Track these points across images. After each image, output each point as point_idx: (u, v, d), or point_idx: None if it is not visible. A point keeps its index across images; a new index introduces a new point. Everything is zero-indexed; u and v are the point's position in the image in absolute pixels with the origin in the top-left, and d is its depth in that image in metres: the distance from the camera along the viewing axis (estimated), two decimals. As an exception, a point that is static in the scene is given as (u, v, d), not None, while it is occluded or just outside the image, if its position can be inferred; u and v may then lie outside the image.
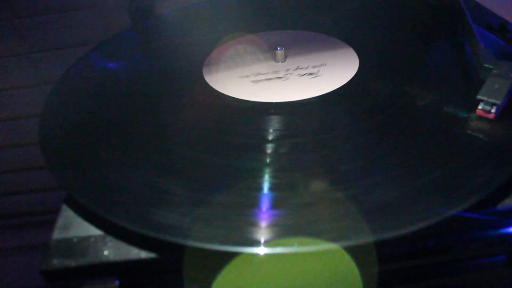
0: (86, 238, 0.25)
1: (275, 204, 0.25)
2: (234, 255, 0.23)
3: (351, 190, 0.25)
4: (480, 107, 0.29)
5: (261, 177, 0.27)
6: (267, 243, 0.22)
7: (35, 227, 0.80)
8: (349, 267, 0.25)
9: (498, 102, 0.29)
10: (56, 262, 0.24)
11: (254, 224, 0.24)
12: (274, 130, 0.31)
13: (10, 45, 0.65)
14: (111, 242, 0.25)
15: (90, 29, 0.62)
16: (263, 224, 0.24)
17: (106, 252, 0.24)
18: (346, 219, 0.24)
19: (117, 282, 0.25)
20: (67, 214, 0.27)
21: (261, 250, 0.22)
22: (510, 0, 0.54)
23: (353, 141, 0.29)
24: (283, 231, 0.23)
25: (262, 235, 0.23)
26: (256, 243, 0.22)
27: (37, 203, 0.79)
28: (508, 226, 0.26)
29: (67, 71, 0.41)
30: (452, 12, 0.42)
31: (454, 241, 0.26)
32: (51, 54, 0.66)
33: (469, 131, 0.29)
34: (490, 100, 0.29)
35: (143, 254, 0.24)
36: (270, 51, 0.40)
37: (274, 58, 0.39)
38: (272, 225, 0.23)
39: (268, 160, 0.28)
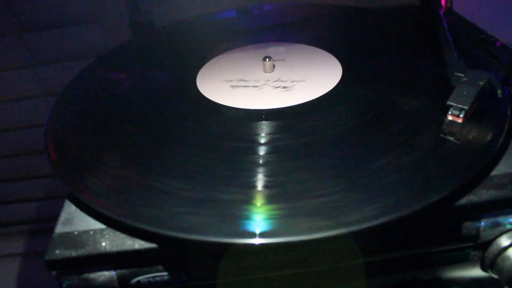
0: (86, 231, 0.28)
1: (265, 201, 0.27)
2: (229, 246, 0.25)
3: (331, 186, 0.28)
4: (450, 112, 0.32)
5: (253, 176, 0.29)
6: (259, 235, 0.25)
7: (39, 234, 0.82)
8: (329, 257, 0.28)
9: (466, 107, 0.31)
10: (58, 252, 0.27)
11: (247, 218, 0.26)
12: (266, 134, 0.33)
13: (17, 58, 0.68)
14: (109, 234, 0.27)
15: (93, 42, 0.65)
16: (256, 217, 0.26)
17: (103, 244, 0.27)
18: (325, 213, 0.26)
19: (114, 272, 0.27)
20: (69, 209, 0.30)
21: (255, 241, 0.24)
22: (490, 13, 0.57)
23: (334, 143, 0.32)
24: (271, 225, 0.25)
25: (256, 227, 0.25)
26: (250, 234, 0.25)
27: (41, 211, 0.82)
28: (472, 221, 0.28)
29: (71, 82, 0.44)
30: (431, 23, 0.45)
31: (420, 236, 0.28)
32: (56, 67, 0.68)
33: (441, 134, 0.31)
34: (458, 105, 0.31)
35: (137, 245, 0.26)
36: (259, 62, 0.42)
37: (263, 68, 0.41)
38: (262, 219, 0.26)
39: (260, 161, 0.31)
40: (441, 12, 0.47)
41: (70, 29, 0.65)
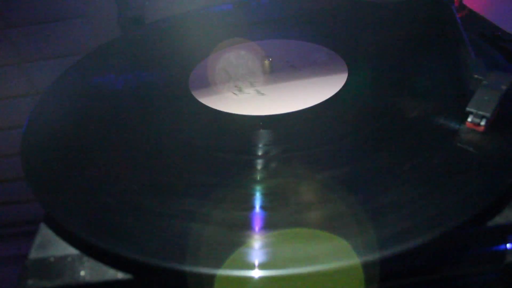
0: (63, 258, 0.25)
1: (267, 223, 0.24)
2: (225, 278, 0.22)
3: (340, 204, 0.25)
4: (469, 119, 0.29)
5: (252, 194, 0.26)
6: (260, 266, 0.22)
7: (27, 237, 0.79)
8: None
9: (487, 114, 0.28)
10: (31, 283, 0.24)
11: (244, 246, 0.23)
12: (264, 144, 0.30)
13: (2, 55, 0.64)
14: (88, 262, 0.24)
15: (81, 38, 0.62)
16: (253, 245, 0.23)
17: (82, 273, 0.24)
18: (332, 240, 0.23)
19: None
20: (45, 232, 0.26)
21: (250, 273, 0.21)
22: (504, 8, 0.53)
23: (342, 152, 0.29)
24: (273, 252, 0.22)
25: (251, 257, 0.22)
26: (248, 266, 0.22)
27: (35, 212, 0.79)
28: (499, 243, 0.25)
29: (55, 82, 0.41)
30: (444, 21, 0.42)
31: (443, 260, 0.25)
32: (43, 64, 0.65)
33: (459, 144, 0.28)
34: (479, 112, 0.28)
35: (120, 275, 0.23)
36: (258, 61, 0.39)
37: (263, 68, 0.38)
38: (264, 246, 0.23)
39: (258, 176, 0.27)
40: (453, 6, 0.43)
41: (57, 24, 0.62)
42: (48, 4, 0.60)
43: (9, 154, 0.73)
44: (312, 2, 0.52)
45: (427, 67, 0.37)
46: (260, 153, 0.29)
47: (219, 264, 0.22)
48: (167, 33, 0.49)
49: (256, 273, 0.21)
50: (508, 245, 0.25)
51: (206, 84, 0.37)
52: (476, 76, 0.31)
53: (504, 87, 0.29)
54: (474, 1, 0.50)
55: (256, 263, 0.22)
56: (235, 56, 0.41)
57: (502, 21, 0.43)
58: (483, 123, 0.28)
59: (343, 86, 0.35)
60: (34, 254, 0.25)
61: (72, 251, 0.25)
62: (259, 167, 0.28)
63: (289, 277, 0.21)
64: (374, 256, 0.21)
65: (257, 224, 0.24)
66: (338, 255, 0.22)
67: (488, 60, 0.34)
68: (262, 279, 0.21)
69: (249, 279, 0.22)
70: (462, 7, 0.49)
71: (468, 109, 0.29)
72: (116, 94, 0.38)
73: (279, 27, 0.47)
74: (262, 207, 0.25)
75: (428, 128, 0.30)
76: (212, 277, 0.22)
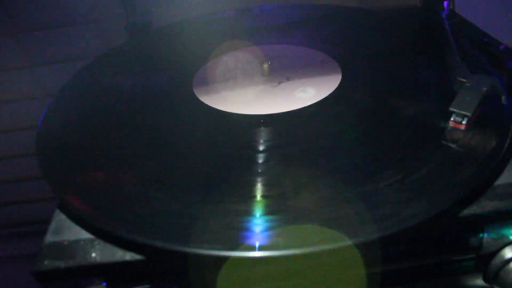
0: (76, 241, 0.27)
1: (265, 212, 0.26)
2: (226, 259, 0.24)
3: (334, 198, 0.27)
4: (452, 118, 0.31)
5: (252, 186, 0.28)
6: (258, 247, 0.24)
7: (35, 236, 0.81)
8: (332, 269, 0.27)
9: (468, 114, 0.30)
10: (47, 263, 0.26)
11: (246, 230, 0.25)
12: (264, 141, 0.32)
13: (13, 59, 0.67)
14: (99, 245, 0.26)
15: (90, 43, 0.65)
16: (252, 229, 0.25)
17: (93, 254, 0.26)
18: (325, 225, 0.25)
19: (104, 284, 0.27)
20: (60, 218, 0.29)
21: (254, 254, 0.23)
22: (493, 17, 0.56)
23: (333, 150, 0.31)
24: (272, 237, 0.25)
25: (252, 239, 0.24)
26: (245, 247, 0.24)
27: (38, 212, 0.81)
28: (475, 232, 0.27)
29: (66, 84, 0.43)
30: (433, 26, 0.44)
31: (422, 247, 0.27)
32: (53, 67, 0.68)
33: (443, 141, 0.30)
34: (461, 112, 0.30)
35: (128, 256, 0.26)
36: (257, 64, 0.41)
37: (261, 71, 0.40)
38: (262, 231, 0.25)
39: (259, 170, 0.30)
40: (444, 14, 0.46)
41: (66, 29, 0.64)
42: (58, 10, 0.63)
43: (20, 154, 0.75)
44: (310, 11, 0.54)
45: (416, 70, 0.39)
46: (260, 148, 0.32)
47: (220, 247, 0.24)
48: (173, 38, 0.51)
49: (256, 254, 0.23)
50: (485, 234, 0.27)
51: (209, 85, 0.40)
52: (459, 78, 0.33)
53: (484, 89, 0.31)
54: (465, 9, 0.52)
55: (257, 245, 0.24)
56: (236, 59, 0.44)
57: (490, 28, 0.45)
58: (464, 121, 0.30)
59: (336, 89, 0.37)
60: (49, 238, 0.28)
61: (84, 235, 0.27)
62: (259, 160, 0.31)
63: (284, 257, 0.24)
64: (354, 241, 0.23)
65: (256, 212, 0.26)
66: (320, 239, 0.24)
67: (474, 64, 0.37)
68: (261, 259, 0.24)
69: (248, 260, 0.24)
70: (454, 15, 0.51)
71: (451, 108, 0.31)
72: (124, 96, 0.40)
73: (279, 33, 0.49)
74: (261, 196, 0.27)
75: (414, 126, 0.32)
76: (213, 258, 0.24)
